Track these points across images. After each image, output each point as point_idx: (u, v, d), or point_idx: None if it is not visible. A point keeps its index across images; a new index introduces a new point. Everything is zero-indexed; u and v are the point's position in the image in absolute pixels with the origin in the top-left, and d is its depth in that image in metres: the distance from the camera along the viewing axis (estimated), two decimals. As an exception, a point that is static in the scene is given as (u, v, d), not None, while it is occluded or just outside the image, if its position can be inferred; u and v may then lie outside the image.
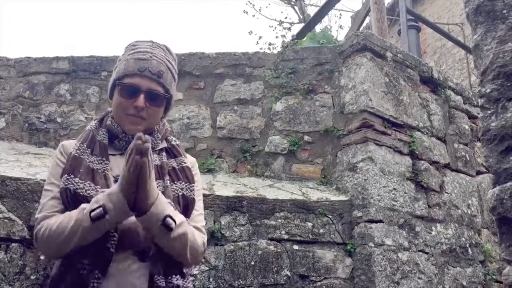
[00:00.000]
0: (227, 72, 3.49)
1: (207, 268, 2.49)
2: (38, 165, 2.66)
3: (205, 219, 2.54)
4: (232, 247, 2.60)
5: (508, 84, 1.33)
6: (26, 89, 3.48)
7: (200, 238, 1.49)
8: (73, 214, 1.33)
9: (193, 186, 1.55)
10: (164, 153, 1.59)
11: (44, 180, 2.22)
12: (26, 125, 3.39)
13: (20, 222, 2.12)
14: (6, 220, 2.09)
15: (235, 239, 2.63)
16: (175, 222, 1.34)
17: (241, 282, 2.53)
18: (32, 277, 2.04)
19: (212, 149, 3.35)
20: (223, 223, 2.64)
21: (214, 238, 2.58)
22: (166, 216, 1.31)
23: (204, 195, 2.60)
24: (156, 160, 1.53)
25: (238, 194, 2.76)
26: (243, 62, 3.50)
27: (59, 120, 3.41)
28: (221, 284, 2.49)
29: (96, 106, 3.44)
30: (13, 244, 2.07)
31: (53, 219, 1.36)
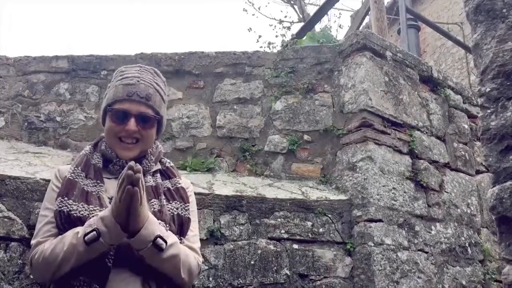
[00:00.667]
0: (226, 71, 3.49)
1: (206, 267, 2.49)
2: (37, 164, 2.66)
3: (204, 218, 2.55)
4: (231, 246, 2.60)
5: (508, 83, 1.33)
6: (25, 88, 3.47)
7: (194, 259, 1.50)
8: (67, 238, 1.34)
9: (188, 205, 1.57)
10: (158, 175, 1.61)
11: (43, 180, 2.24)
12: (26, 124, 3.39)
13: (20, 221, 2.12)
14: (5, 219, 2.09)
15: (234, 238, 2.63)
16: (166, 242, 1.35)
17: (241, 281, 2.53)
18: (31, 276, 2.04)
19: (212, 148, 3.35)
20: (222, 222, 2.64)
21: (214, 237, 2.58)
22: (156, 237, 1.33)
23: (204, 194, 2.61)
24: (150, 181, 1.56)
25: (238, 193, 2.76)
26: (242, 61, 3.50)
27: (58, 119, 3.41)
28: (221, 283, 2.49)
29: (96, 105, 3.43)
30: (12, 243, 2.07)
31: (47, 244, 1.38)
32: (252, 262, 2.58)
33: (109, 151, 1.55)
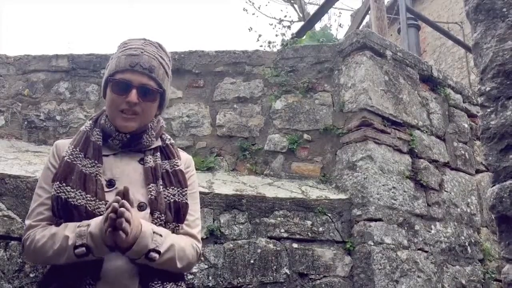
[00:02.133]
0: (226, 70, 3.49)
1: (206, 266, 2.49)
2: (37, 163, 2.66)
3: (204, 217, 2.55)
4: (231, 245, 2.60)
5: (508, 83, 1.32)
6: (25, 87, 3.47)
7: (192, 250, 1.50)
8: (57, 238, 1.34)
9: (186, 190, 1.54)
10: (158, 153, 1.58)
11: (43, 178, 2.23)
12: (26, 123, 3.39)
13: (19, 220, 2.12)
14: (5, 218, 2.09)
15: (234, 237, 2.63)
16: (159, 253, 1.35)
17: (241, 280, 2.53)
18: (31, 275, 2.04)
19: (212, 147, 3.35)
20: (222, 221, 2.64)
21: (214, 236, 2.58)
22: (149, 251, 1.33)
23: (204, 193, 2.60)
24: (150, 161, 1.53)
25: (238, 193, 2.76)
26: (242, 60, 3.50)
27: (58, 118, 3.41)
28: (221, 282, 2.49)
29: (96, 104, 3.43)
30: (12, 242, 2.07)
31: (38, 234, 1.37)
32: (252, 261, 2.58)
33: (108, 124, 1.52)
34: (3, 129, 3.34)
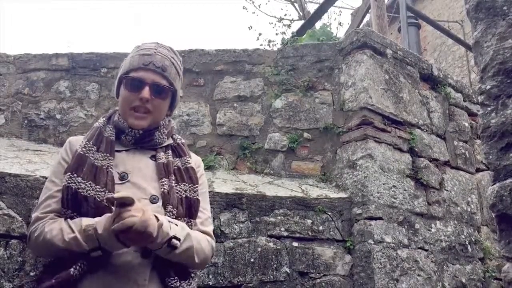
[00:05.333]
0: (227, 69, 3.49)
1: (206, 265, 2.49)
2: (37, 162, 2.65)
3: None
4: (231, 244, 2.60)
5: (508, 81, 1.32)
6: (25, 86, 3.47)
7: (208, 245, 1.51)
8: (66, 233, 1.33)
9: (197, 187, 1.56)
10: (169, 151, 1.61)
11: (43, 177, 2.23)
12: (26, 121, 3.39)
13: (20, 218, 2.12)
14: (5, 217, 2.09)
15: (234, 236, 2.63)
16: (179, 240, 1.36)
17: (241, 279, 2.53)
18: (31, 274, 2.04)
19: (212, 146, 3.34)
20: (222, 220, 2.64)
21: (214, 235, 2.57)
22: (171, 238, 1.34)
23: (204, 192, 2.60)
24: (162, 158, 1.56)
25: (238, 191, 2.76)
26: (243, 59, 3.50)
27: (58, 116, 3.40)
28: (221, 281, 2.49)
29: (96, 102, 3.43)
30: (12, 241, 2.07)
31: (47, 226, 1.37)
32: (252, 260, 2.58)
33: (121, 121, 1.55)
34: (3, 127, 3.34)
